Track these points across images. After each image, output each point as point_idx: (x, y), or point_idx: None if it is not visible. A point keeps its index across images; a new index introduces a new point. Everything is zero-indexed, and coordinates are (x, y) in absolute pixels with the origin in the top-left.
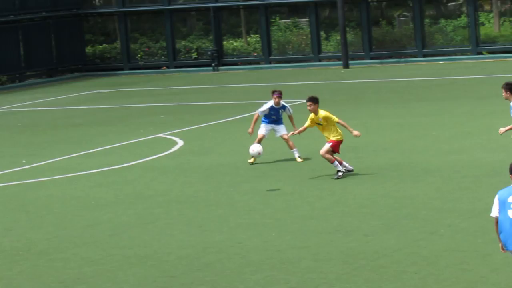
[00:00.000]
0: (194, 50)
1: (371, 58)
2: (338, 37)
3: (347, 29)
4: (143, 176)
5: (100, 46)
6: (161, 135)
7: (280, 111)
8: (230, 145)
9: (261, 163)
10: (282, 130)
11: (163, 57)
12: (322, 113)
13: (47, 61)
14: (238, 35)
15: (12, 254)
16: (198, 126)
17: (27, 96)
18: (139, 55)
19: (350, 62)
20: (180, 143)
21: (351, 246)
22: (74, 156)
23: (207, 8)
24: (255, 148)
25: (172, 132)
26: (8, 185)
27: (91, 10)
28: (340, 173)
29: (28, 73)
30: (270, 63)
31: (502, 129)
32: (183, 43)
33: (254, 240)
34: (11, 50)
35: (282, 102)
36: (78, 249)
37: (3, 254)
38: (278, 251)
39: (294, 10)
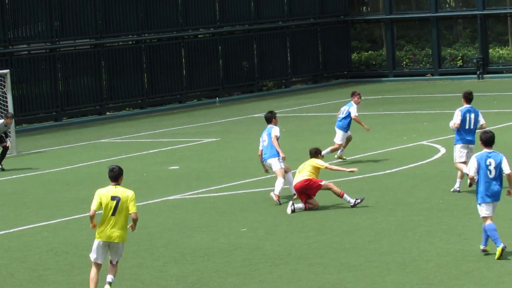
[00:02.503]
0: (459, 57)
1: None
2: None
3: None
4: (405, 183)
5: (366, 53)
6: (424, 142)
7: None
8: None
9: None
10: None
11: (428, 65)
12: None
13: (313, 67)
14: (504, 43)
15: (273, 258)
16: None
17: (292, 102)
18: (404, 62)
19: None
20: (443, 150)
21: None
22: (335, 162)
23: (474, 16)
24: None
25: (434, 139)
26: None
27: (358, 17)
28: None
29: (294, 79)
30: None
31: None
32: (448, 50)
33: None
34: (279, 56)
35: None
36: (337, 255)
37: (265, 258)
38: None
39: None
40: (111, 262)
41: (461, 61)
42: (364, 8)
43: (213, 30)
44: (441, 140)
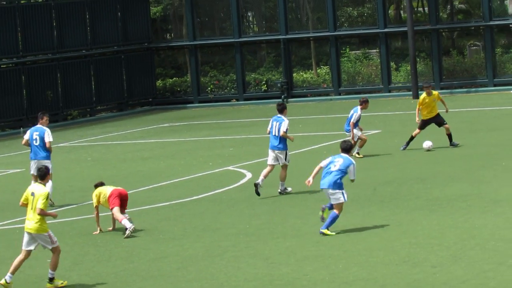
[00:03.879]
0: (264, 82)
1: (441, 88)
2: (408, 68)
3: (418, 59)
4: (211, 208)
5: (171, 80)
6: (230, 167)
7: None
8: (298, 177)
9: None
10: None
11: (233, 90)
12: None
13: (118, 95)
14: (308, 67)
15: None
16: (266, 158)
17: (98, 130)
18: (209, 88)
19: (420, 92)
20: (249, 175)
21: (418, 277)
22: (143, 189)
23: (278, 40)
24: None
25: (240, 164)
26: (77, 219)
27: (162, 43)
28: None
29: (99, 107)
30: (340, 94)
31: None
32: (253, 75)
33: (321, 272)
34: (82, 85)
35: None
36: (145, 283)
37: None
38: (345, 283)
39: (364, 41)
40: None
41: (265, 85)
42: (168, 35)
43: (16, 60)
44: (247, 165)
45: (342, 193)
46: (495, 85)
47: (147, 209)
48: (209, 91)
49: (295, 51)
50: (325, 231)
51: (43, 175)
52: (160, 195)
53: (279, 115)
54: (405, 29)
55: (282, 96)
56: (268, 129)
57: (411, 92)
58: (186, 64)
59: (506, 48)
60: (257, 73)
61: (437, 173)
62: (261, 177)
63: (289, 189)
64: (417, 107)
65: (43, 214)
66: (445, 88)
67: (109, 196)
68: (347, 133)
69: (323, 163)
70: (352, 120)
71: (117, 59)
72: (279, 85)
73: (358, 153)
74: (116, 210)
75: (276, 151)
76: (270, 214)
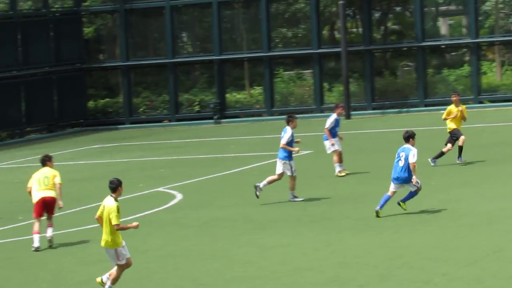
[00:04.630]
0: (196, 103)
1: (373, 109)
2: (341, 88)
3: (350, 79)
4: (140, 230)
5: (103, 101)
6: (160, 189)
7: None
8: (228, 199)
9: (261, 215)
10: (339, 145)
11: (165, 111)
12: None
13: (48, 116)
14: (241, 88)
15: None
16: (197, 179)
17: (27, 152)
18: (141, 109)
19: (352, 112)
20: (179, 196)
21: None
22: (71, 211)
23: (211, 61)
24: None
25: (171, 186)
26: (3, 242)
27: (95, 64)
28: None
29: (28, 128)
30: (272, 115)
31: None
32: (186, 96)
33: None
34: (12, 106)
35: None
36: None
37: None
38: None
39: (298, 62)
40: None
41: (198, 106)
42: (101, 55)
43: None
44: (178, 186)
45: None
46: (426, 106)
47: (75, 231)
48: (141, 112)
49: (228, 71)
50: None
51: None
52: (89, 217)
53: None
54: (339, 49)
55: (215, 117)
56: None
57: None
58: (118, 85)
59: (438, 69)
60: (190, 94)
61: (367, 193)
62: (264, 181)
63: (299, 198)
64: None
65: None
66: (377, 109)
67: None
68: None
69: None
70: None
71: (49, 79)
72: (211, 105)
73: (340, 172)
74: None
75: (278, 161)
76: (199, 236)
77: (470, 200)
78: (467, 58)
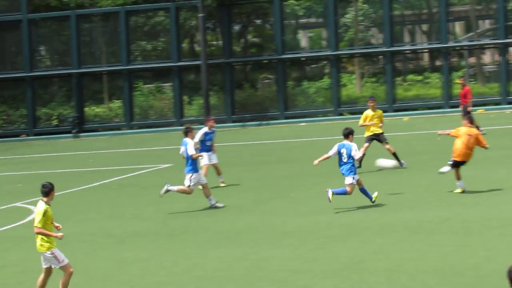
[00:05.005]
0: (55, 117)
1: (234, 121)
2: (201, 101)
3: (210, 92)
4: None
5: None
6: (18, 204)
7: (213, 136)
8: (87, 213)
9: (120, 229)
10: (215, 157)
11: (23, 125)
12: None
13: None
14: (100, 101)
15: None
16: (56, 194)
17: None
18: None
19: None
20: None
21: None
22: None
23: (70, 74)
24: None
25: (28, 201)
26: None
27: None
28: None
29: None
30: (132, 128)
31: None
32: (44, 110)
33: None
34: None
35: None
36: None
37: None
38: None
39: (158, 75)
40: None
41: (57, 120)
42: None
43: None
44: (36, 201)
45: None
46: (286, 118)
47: None
48: None
49: (87, 85)
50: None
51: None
52: None
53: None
54: (199, 62)
55: (73, 131)
56: None
57: (203, 126)
58: None
59: (298, 81)
60: (49, 108)
61: (227, 206)
62: (174, 188)
63: (220, 204)
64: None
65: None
66: (237, 121)
67: None
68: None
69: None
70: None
71: None
72: (70, 119)
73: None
74: None
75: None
76: (58, 249)
77: (328, 212)
78: (327, 70)
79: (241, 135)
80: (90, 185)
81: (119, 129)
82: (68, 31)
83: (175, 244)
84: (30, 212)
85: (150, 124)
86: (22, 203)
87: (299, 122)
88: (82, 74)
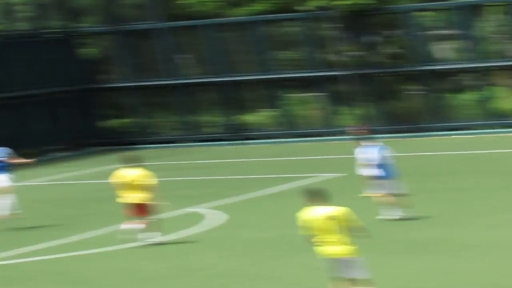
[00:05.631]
0: (213, 124)
1: (388, 132)
2: (356, 111)
3: (362, 103)
4: None
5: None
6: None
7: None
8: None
9: None
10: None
11: (178, 131)
12: None
13: None
14: (251, 109)
15: None
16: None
17: None
18: None
19: None
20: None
21: None
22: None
23: (224, 82)
24: None
25: (200, 205)
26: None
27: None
28: None
29: None
30: (289, 137)
31: None
32: (202, 117)
33: None
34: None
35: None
36: None
37: None
38: None
39: (306, 85)
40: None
41: (215, 127)
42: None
43: None
44: (205, 206)
45: None
46: (438, 130)
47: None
48: None
49: (240, 93)
50: None
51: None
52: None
53: None
54: (348, 72)
55: (231, 139)
56: None
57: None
58: None
59: (447, 92)
60: (205, 115)
61: (416, 217)
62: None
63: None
64: None
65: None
66: (392, 132)
67: None
68: None
69: None
70: None
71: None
72: (227, 127)
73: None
74: None
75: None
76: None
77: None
78: (477, 82)
79: (400, 146)
80: None
81: (275, 137)
82: (220, 40)
83: None
84: (202, 217)
85: (307, 134)
86: (194, 208)
87: (450, 134)
88: (236, 82)
